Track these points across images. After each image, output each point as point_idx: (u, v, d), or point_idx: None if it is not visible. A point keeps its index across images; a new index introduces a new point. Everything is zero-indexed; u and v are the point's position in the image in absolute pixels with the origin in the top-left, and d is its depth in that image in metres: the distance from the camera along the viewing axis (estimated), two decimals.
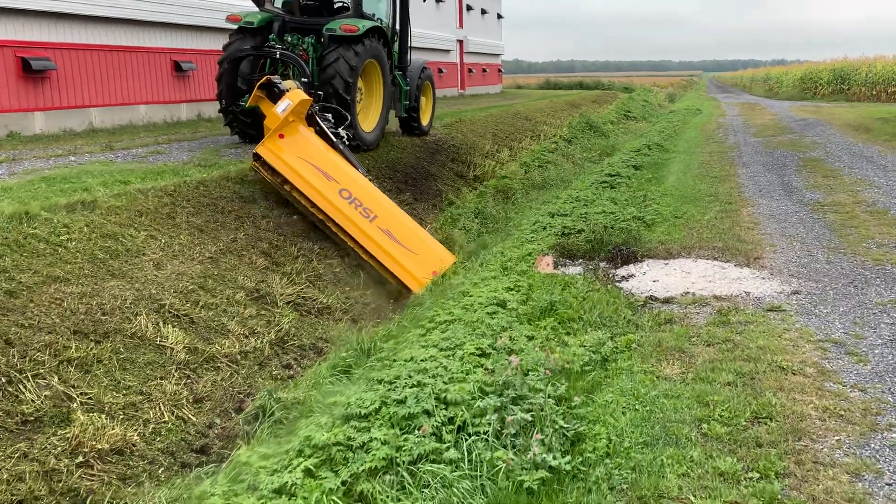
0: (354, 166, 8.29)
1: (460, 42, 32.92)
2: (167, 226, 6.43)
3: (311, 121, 8.39)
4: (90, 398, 4.34)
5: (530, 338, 5.02)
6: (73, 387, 4.35)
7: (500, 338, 4.78)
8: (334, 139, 8.43)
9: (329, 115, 8.93)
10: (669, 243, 7.90)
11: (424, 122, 13.18)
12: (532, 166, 14.30)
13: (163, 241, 6.18)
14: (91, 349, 4.65)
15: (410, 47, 12.03)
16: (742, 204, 10.24)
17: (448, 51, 30.77)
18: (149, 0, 14.21)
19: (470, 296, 5.92)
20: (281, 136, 7.83)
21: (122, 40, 13.79)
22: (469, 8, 34.42)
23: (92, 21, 13.02)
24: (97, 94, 13.23)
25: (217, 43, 16.34)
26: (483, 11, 36.75)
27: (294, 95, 7.92)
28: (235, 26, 10.06)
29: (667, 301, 6.06)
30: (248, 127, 10.15)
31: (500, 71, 40.88)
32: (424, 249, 7.72)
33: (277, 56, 9.52)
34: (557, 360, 4.37)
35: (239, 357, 5.40)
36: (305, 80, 9.24)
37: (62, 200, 5.97)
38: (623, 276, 6.85)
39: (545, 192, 12.53)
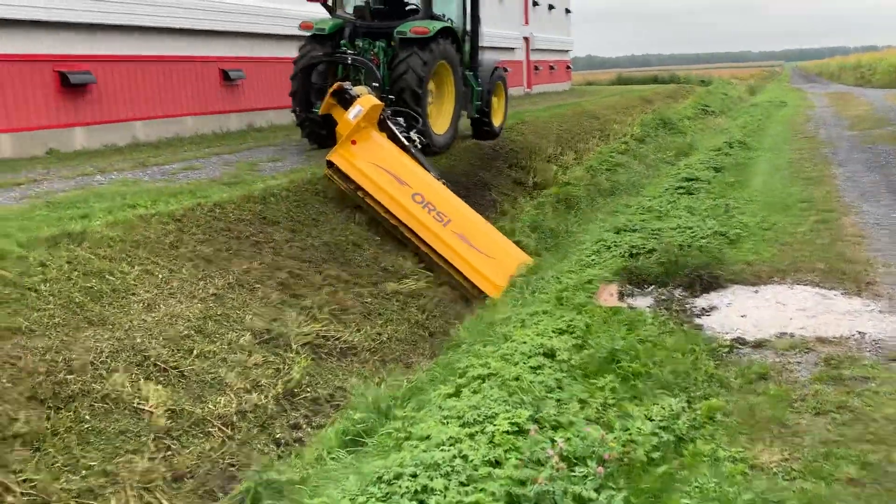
0: (427, 170, 8.15)
1: (526, 39, 31.72)
2: (168, 258, 5.65)
3: (382, 126, 8.31)
4: (34, 487, 3.54)
5: (583, 403, 3.96)
6: (14, 472, 3.55)
7: (543, 408, 3.74)
8: (406, 143, 8.33)
9: (401, 119, 8.83)
10: (758, 264, 6.66)
11: (496, 122, 12.65)
12: (599, 170, 13.10)
13: (160, 276, 5.39)
14: (46, 420, 3.85)
15: (481, 47, 11.77)
16: (843, 211, 8.83)
17: (513, 49, 29.63)
18: (194, 7, 13.71)
19: (512, 340, 4.90)
20: (353, 142, 7.79)
21: (166, 50, 13.31)
22: (535, 3, 33.17)
23: (133, 31, 12.57)
24: (141, 107, 12.78)
25: (267, 50, 15.79)
26: (550, 6, 35.42)
27: (365, 101, 7.87)
28: (308, 34, 10.11)
29: (758, 345, 4.88)
30: (323, 135, 10.00)
31: (568, 67, 39.44)
32: (500, 253, 7.55)
33: (349, 62, 9.53)
34: (615, 447, 3.31)
35: (236, 418, 4.54)
36: (377, 84, 9.13)
37: (45, 233, 5.25)
38: (703, 309, 5.69)
39: (613, 200, 11.35)
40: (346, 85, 8.31)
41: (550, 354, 4.51)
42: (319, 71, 9.98)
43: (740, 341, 4.96)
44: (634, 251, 6.89)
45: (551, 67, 35.62)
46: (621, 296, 5.97)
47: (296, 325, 5.59)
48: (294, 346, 5.40)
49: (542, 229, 9.21)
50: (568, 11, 38.91)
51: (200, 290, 5.45)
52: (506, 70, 13.31)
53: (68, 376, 4.17)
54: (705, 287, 6.21)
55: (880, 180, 10.91)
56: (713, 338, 4.98)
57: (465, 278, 7.40)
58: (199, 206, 6.55)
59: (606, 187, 11.95)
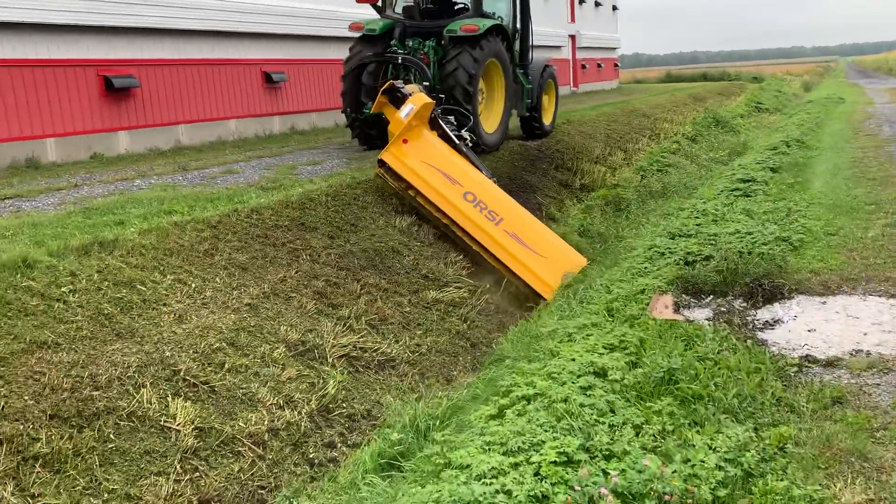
0: (478, 169, 8.08)
1: (572, 37, 31.19)
2: (202, 266, 5.47)
3: (433, 124, 8.24)
4: None
5: (638, 428, 3.62)
6: (33, 496, 3.38)
7: (594, 435, 3.41)
8: (457, 141, 8.25)
9: (451, 118, 8.79)
10: (825, 273, 6.20)
11: (547, 121, 12.64)
12: (650, 171, 12.64)
13: (193, 285, 5.21)
14: (68, 440, 3.68)
15: (532, 45, 11.70)
16: None
17: (559, 47, 29.16)
18: (236, 10, 13.67)
19: (559, 356, 4.57)
20: (405, 140, 7.76)
21: (209, 53, 13.29)
22: (582, 1, 32.61)
23: (176, 35, 12.57)
24: (184, 111, 12.77)
25: (309, 51, 15.70)
26: (597, 3, 34.80)
27: (417, 99, 7.83)
28: (358, 34, 10.12)
29: (830, 364, 4.47)
30: (373, 136, 10.04)
31: (616, 65, 38.71)
32: (554, 252, 7.46)
33: (399, 61, 9.53)
34: (677, 484, 2.97)
35: (267, 436, 4.32)
36: (427, 83, 9.13)
37: (77, 241, 5.11)
38: (766, 323, 5.27)
39: (665, 202, 10.90)
40: (398, 83, 8.26)
41: (601, 374, 4.17)
42: (370, 71, 9.96)
43: (810, 359, 4.55)
44: (690, 258, 6.49)
45: (598, 65, 35.00)
46: (677, 307, 5.59)
47: (332, 337, 5.36)
48: (330, 359, 5.17)
49: (590, 234, 8.85)
50: (615, 8, 38.20)
51: (234, 300, 5.25)
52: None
53: (94, 392, 4.00)
54: (767, 297, 5.78)
55: None
56: (779, 355, 4.58)
57: (518, 278, 7.32)
58: (235, 212, 6.37)
59: (657, 189, 11.50)
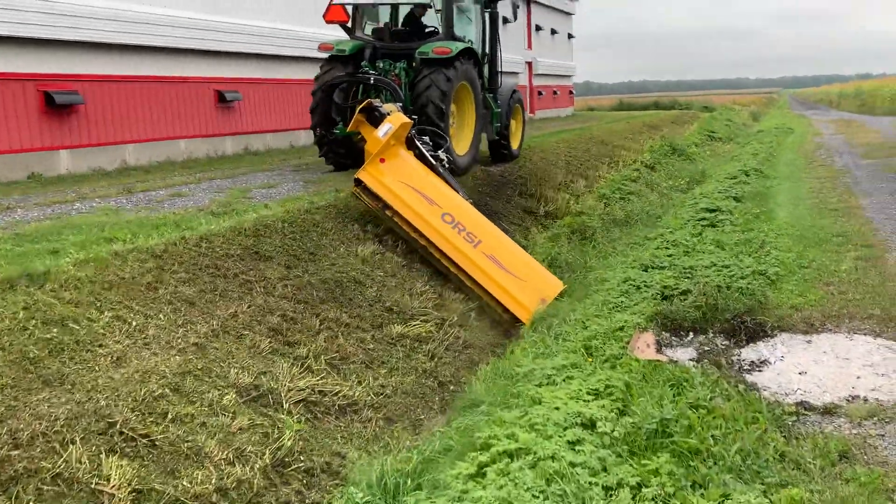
0: (455, 190, 7.99)
1: (529, 64, 31.31)
2: (144, 301, 4.95)
3: (410, 144, 8.14)
4: None
5: (636, 490, 3.25)
6: None
7: (589, 501, 3.03)
8: (434, 162, 8.15)
9: (426, 138, 8.71)
10: (806, 308, 5.98)
11: (515, 145, 12.61)
12: (612, 199, 12.46)
13: (134, 323, 4.69)
14: None
15: (501, 70, 11.73)
16: (883, 247, 8.17)
17: (516, 73, 29.20)
18: (187, 27, 13.15)
19: (541, 403, 4.19)
20: (382, 160, 7.65)
21: (159, 70, 12.72)
22: (538, 28, 32.81)
23: (124, 50, 11.98)
24: (131, 129, 12.15)
25: (265, 70, 15.22)
26: (553, 31, 35.08)
27: (395, 119, 7.74)
28: (327, 55, 10.01)
29: (828, 412, 4.19)
30: (343, 156, 10.01)
31: (571, 93, 39.06)
32: (532, 276, 7.37)
33: (371, 82, 9.43)
34: None
35: (216, 497, 3.83)
36: (400, 105, 8.98)
37: (1, 273, 4.55)
38: (753, 363, 5.00)
39: (629, 231, 10.69)
40: (376, 102, 8.19)
41: (590, 425, 3.81)
42: (340, 91, 9.81)
43: (806, 406, 4.26)
44: (667, 292, 6.21)
45: (554, 92, 35.21)
46: (659, 346, 5.28)
47: (288, 379, 4.88)
48: (286, 405, 4.69)
49: (558, 263, 8.53)
50: (570, 37, 38.61)
51: (179, 340, 4.74)
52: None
53: (13, 452, 3.46)
54: (751, 335, 5.52)
55: None
56: (774, 402, 4.29)
57: (497, 301, 7.21)
58: (183, 239, 5.86)
59: (621, 217, 11.30)
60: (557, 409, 4.01)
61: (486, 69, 11.37)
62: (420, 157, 8.15)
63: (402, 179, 7.64)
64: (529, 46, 31.78)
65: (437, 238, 7.42)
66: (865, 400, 4.27)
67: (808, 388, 4.52)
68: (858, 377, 4.61)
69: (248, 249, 6.17)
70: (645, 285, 6.38)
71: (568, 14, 37.77)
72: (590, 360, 5.01)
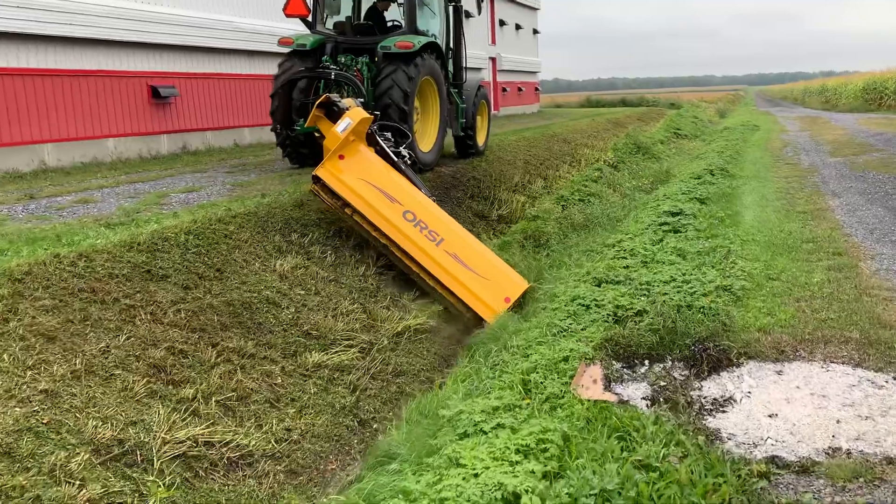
0: (418, 187, 7.80)
1: (493, 59, 30.59)
2: None
3: (371, 140, 7.91)
4: None
5: None
6: None
7: None
8: (395, 159, 7.95)
9: (388, 134, 8.53)
10: (776, 331, 5.28)
11: (480, 141, 12.50)
12: (571, 201, 11.75)
13: None
14: None
15: (466, 65, 11.61)
16: (856, 254, 7.55)
17: (480, 69, 28.45)
18: (118, 17, 12.16)
19: (459, 464, 3.42)
20: (341, 156, 7.42)
21: (85, 64, 11.72)
22: (502, 23, 32.10)
23: (43, 42, 10.98)
24: (50, 127, 11.15)
25: (204, 65, 14.28)
26: (517, 27, 34.39)
27: (354, 114, 7.49)
28: (288, 49, 9.76)
29: (804, 470, 3.47)
30: (305, 154, 9.81)
31: (536, 89, 38.41)
32: (496, 274, 7.18)
33: (332, 77, 9.18)
34: None
35: None
36: (362, 100, 8.78)
37: None
38: (716, 402, 4.28)
39: (588, 236, 9.97)
40: (335, 97, 7.91)
41: (513, 500, 3.04)
42: (301, 87, 9.58)
43: (778, 462, 3.54)
44: (620, 313, 5.47)
45: (519, 89, 34.53)
46: (607, 381, 4.53)
47: (164, 429, 4.05)
48: (157, 463, 3.86)
49: None
50: (536, 32, 37.95)
51: (25, 386, 3.88)
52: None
53: None
54: (713, 365, 4.81)
55: (886, 214, 9.70)
56: (740, 457, 3.56)
57: (460, 300, 7.01)
58: (56, 258, 4.98)
59: (580, 221, 10.58)
60: (476, 475, 3.24)
61: (450, 64, 11.20)
62: (381, 153, 7.90)
63: (362, 177, 7.38)
64: (493, 42, 31.06)
65: (399, 237, 7.19)
66: (848, 454, 3.56)
67: (781, 436, 3.80)
68: (838, 421, 3.91)
69: (138, 268, 5.31)
70: (596, 305, 5.64)
71: (533, 9, 37.11)
72: (527, 399, 4.25)
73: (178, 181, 9.52)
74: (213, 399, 4.53)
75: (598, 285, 6.29)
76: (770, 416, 4.03)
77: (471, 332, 6.80)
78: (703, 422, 4.03)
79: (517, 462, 3.36)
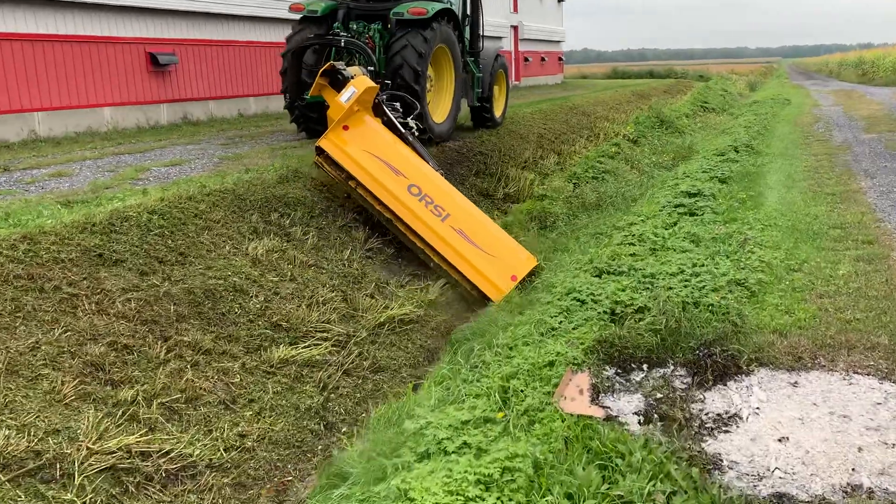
0: (425, 160, 7.54)
1: (514, 28, 29.67)
2: None
3: (377, 110, 7.71)
4: None
5: None
6: None
7: None
8: (403, 130, 7.71)
9: (397, 104, 8.34)
10: (793, 334, 4.71)
11: (498, 112, 12.22)
12: (584, 178, 11.12)
13: None
14: None
15: (483, 33, 11.28)
16: (889, 243, 6.89)
17: (500, 38, 27.59)
18: None
19: (408, 497, 2.93)
20: (345, 127, 7.20)
21: (79, 29, 11.25)
22: None
23: (31, 4, 10.52)
24: (41, 96, 10.73)
25: (206, 31, 13.75)
26: None
27: (359, 83, 7.26)
28: (298, 16, 9.57)
29: None
30: (315, 122, 9.42)
31: (560, 59, 37.38)
32: (503, 251, 6.94)
33: (342, 45, 8.98)
34: None
35: None
36: (372, 68, 8.68)
37: None
38: (719, 419, 3.74)
39: (599, 217, 9.38)
40: (339, 64, 7.68)
41: None
42: (312, 54, 9.33)
43: (786, 501, 3.01)
44: (619, 310, 4.92)
45: (542, 59, 33.59)
46: (595, 392, 4.00)
47: (91, 438, 3.61)
48: (79, 478, 3.42)
49: None
50: (559, 0, 36.82)
51: None
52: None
53: None
54: (720, 372, 4.26)
55: None
56: (740, 493, 3.02)
57: (465, 278, 6.80)
58: None
59: (592, 200, 9.97)
60: None
61: (466, 31, 10.89)
62: (388, 124, 7.66)
63: (366, 148, 7.14)
64: (515, 9, 30.10)
65: (403, 211, 6.96)
66: (870, 493, 3.02)
67: (791, 466, 3.26)
68: (860, 449, 3.36)
69: (88, 252, 4.85)
70: (592, 300, 5.08)
71: None
72: (501, 413, 3.75)
73: (166, 153, 9.06)
74: (157, 401, 4.09)
75: (599, 276, 5.73)
76: (780, 440, 3.49)
77: (463, 321, 6.30)
78: (702, 444, 3.49)
79: (474, 498, 2.87)
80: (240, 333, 4.96)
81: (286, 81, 9.48)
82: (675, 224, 7.60)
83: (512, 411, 3.79)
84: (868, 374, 4.14)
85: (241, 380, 4.59)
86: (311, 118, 9.48)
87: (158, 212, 5.62)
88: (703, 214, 7.99)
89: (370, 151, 7.13)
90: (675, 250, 6.38)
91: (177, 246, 5.40)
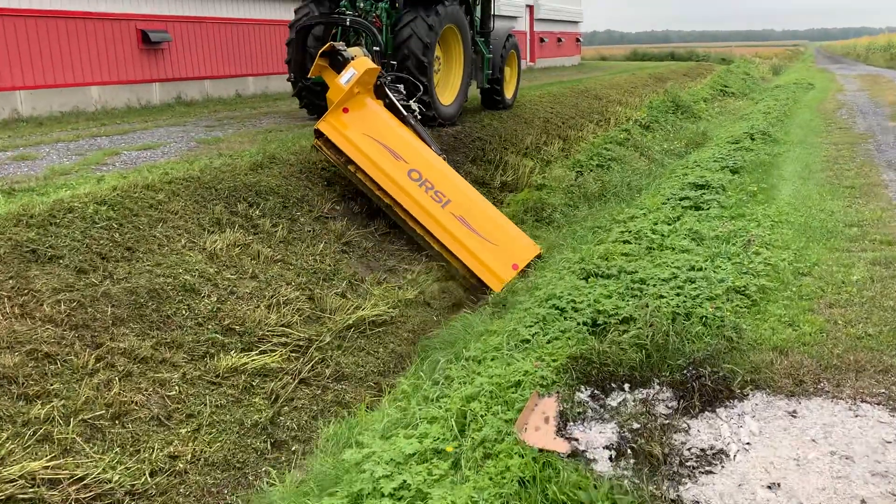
0: (427, 144, 7.35)
1: (530, 7, 28.90)
2: None
3: (379, 92, 7.50)
4: None
5: None
6: None
7: None
8: (405, 113, 7.50)
9: (401, 87, 8.04)
10: (795, 352, 4.20)
11: (508, 94, 12.04)
12: (588, 166, 10.58)
13: None
14: None
15: (494, 13, 11.06)
16: None
17: (515, 17, 26.86)
18: None
19: None
20: (345, 109, 7.03)
21: (65, 4, 10.83)
22: None
23: None
24: (24, 73, 10.34)
25: (200, 8, 13.29)
26: None
27: (359, 64, 7.08)
28: None
29: None
30: (318, 99, 9.13)
31: (578, 40, 36.52)
32: (505, 239, 6.74)
33: (347, 23, 8.67)
34: None
35: None
36: (378, 48, 8.40)
37: None
38: (703, 455, 3.26)
39: (601, 208, 8.86)
40: (339, 45, 7.49)
41: None
42: (316, 35, 9.11)
43: None
44: (601, 320, 4.43)
45: (559, 39, 32.80)
46: (563, 421, 3.52)
47: None
48: None
49: None
50: None
51: None
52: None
53: None
54: (709, 397, 3.77)
55: None
56: None
57: (466, 267, 6.62)
58: None
59: (594, 190, 9.44)
60: None
61: (477, 10, 10.60)
62: (390, 106, 7.45)
63: (366, 132, 6.94)
64: None
65: (402, 197, 6.77)
66: None
67: None
68: (863, 502, 2.87)
69: (20, 247, 4.44)
70: (573, 308, 4.59)
71: None
72: (453, 446, 3.29)
73: (144, 136, 8.65)
74: (77, 419, 3.68)
75: (586, 279, 5.23)
76: (770, 487, 3.01)
77: (439, 324, 5.85)
78: (680, 488, 3.02)
79: None
80: (185, 339, 4.54)
81: (292, 65, 9.24)
82: (678, 219, 7.07)
83: (467, 441, 3.33)
84: (878, 404, 3.63)
85: (179, 392, 4.17)
86: (315, 95, 9.21)
87: (108, 202, 5.20)
88: (708, 209, 7.44)
89: (370, 135, 6.92)
90: (673, 250, 5.86)
91: (124, 240, 4.97)
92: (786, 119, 16.37)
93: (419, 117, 7.98)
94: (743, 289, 4.89)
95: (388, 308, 5.78)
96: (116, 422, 3.81)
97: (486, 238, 6.67)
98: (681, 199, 7.85)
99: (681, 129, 15.53)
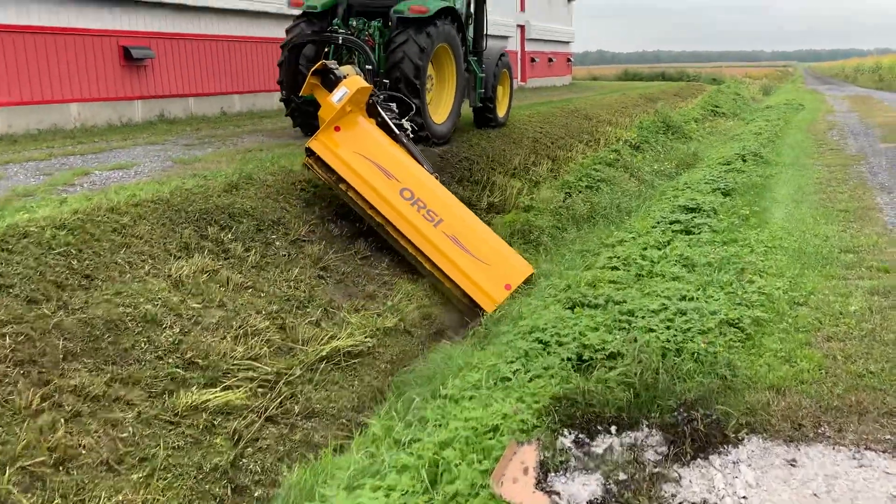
0: (420, 162, 7.33)
1: (521, 27, 28.88)
2: None
3: (371, 111, 7.52)
4: None
5: None
6: None
7: None
8: (397, 132, 7.47)
9: (393, 105, 8.02)
10: (793, 392, 3.94)
11: (501, 113, 12.06)
12: (577, 187, 10.36)
13: None
14: None
15: (487, 32, 11.07)
16: None
17: (506, 37, 26.79)
18: None
19: None
20: (337, 128, 6.97)
21: (43, 20, 10.59)
22: None
23: None
24: (1, 90, 10.07)
25: (184, 24, 13.07)
26: None
27: (351, 83, 7.01)
28: (298, 11, 9.36)
29: None
30: (311, 118, 8.86)
31: (569, 60, 36.53)
32: (497, 259, 6.70)
33: (340, 41, 8.69)
34: None
35: None
36: (370, 67, 8.48)
37: None
38: None
39: (590, 231, 8.62)
40: (331, 63, 7.43)
41: None
42: (307, 54, 9.03)
43: None
44: (587, 356, 4.16)
45: (550, 59, 32.77)
46: (544, 472, 3.24)
47: None
48: None
49: None
50: (570, 0, 35.98)
51: None
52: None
53: None
54: (701, 442, 3.50)
55: None
56: None
57: (457, 287, 6.52)
58: None
59: (583, 212, 9.21)
60: None
61: (470, 30, 10.66)
62: (383, 125, 7.44)
63: (358, 150, 6.88)
64: (522, 8, 29.31)
65: (394, 216, 6.70)
66: None
67: None
68: None
69: None
70: (557, 342, 4.33)
71: None
72: (424, 498, 3.00)
73: (120, 155, 8.38)
74: (16, 465, 3.37)
75: (572, 308, 4.97)
76: None
77: (419, 356, 5.57)
78: None
79: None
80: (142, 374, 4.24)
81: (284, 84, 9.16)
82: (668, 244, 6.83)
83: (439, 495, 3.05)
84: (882, 451, 3.37)
85: (133, 433, 3.87)
86: (307, 114, 9.09)
87: (68, 226, 4.91)
88: (699, 233, 7.22)
89: (362, 154, 6.88)
90: (663, 277, 5.62)
91: (82, 267, 4.68)
92: (777, 140, 16.24)
93: (411, 136, 7.91)
94: (736, 321, 4.63)
95: (366, 337, 5.50)
96: (60, 468, 3.50)
97: (479, 258, 6.61)
98: (671, 223, 7.63)
99: (671, 149, 15.37)
